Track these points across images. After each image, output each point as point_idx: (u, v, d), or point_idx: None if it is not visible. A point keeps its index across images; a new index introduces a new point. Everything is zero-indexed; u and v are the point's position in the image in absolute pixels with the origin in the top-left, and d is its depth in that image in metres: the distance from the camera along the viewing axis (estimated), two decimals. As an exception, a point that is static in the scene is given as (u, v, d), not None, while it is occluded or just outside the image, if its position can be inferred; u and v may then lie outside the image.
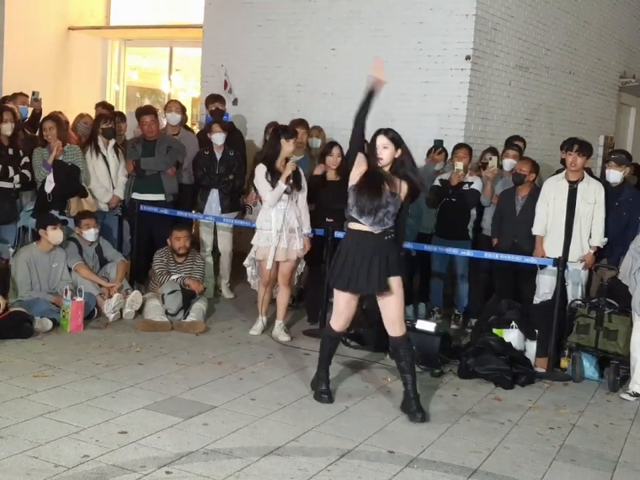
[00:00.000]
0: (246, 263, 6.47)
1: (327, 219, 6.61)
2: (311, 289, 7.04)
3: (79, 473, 3.66)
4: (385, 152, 4.69)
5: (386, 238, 4.72)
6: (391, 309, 4.78)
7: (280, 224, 6.14)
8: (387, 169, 4.75)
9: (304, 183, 6.31)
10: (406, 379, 4.82)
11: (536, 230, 6.37)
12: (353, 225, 4.79)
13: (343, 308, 4.89)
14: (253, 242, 6.35)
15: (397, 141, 4.72)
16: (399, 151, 4.72)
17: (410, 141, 7.86)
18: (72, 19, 12.68)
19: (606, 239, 6.25)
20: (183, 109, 8.17)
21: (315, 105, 9.06)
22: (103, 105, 8.81)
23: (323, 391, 4.98)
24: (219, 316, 6.99)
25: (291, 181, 6.12)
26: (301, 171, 6.32)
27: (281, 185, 6.08)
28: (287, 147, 6.13)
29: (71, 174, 6.96)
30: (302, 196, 6.29)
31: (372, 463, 4.05)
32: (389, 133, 4.72)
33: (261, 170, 6.18)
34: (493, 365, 5.58)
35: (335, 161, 6.70)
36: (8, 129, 6.88)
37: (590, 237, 6.25)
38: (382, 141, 4.70)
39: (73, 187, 6.96)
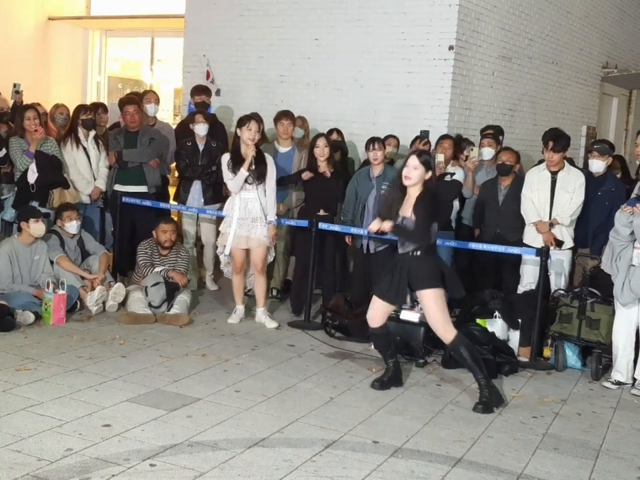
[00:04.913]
0: (219, 250, 6.56)
1: (317, 213, 6.61)
2: (296, 281, 7.02)
3: (62, 466, 3.64)
4: (415, 172, 4.84)
5: (410, 255, 4.92)
6: (429, 320, 5.03)
7: (242, 212, 6.26)
8: (416, 190, 4.87)
9: (271, 172, 6.34)
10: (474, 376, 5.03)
11: (532, 217, 6.30)
12: None
13: (370, 308, 5.12)
14: (220, 228, 6.49)
15: (428, 164, 4.88)
16: (429, 174, 4.88)
17: (393, 131, 8.00)
18: (52, 8, 12.56)
19: (566, 223, 6.23)
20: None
21: (299, 95, 9.03)
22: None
23: (377, 377, 5.20)
24: (203, 308, 6.97)
25: (253, 167, 6.17)
26: (269, 160, 6.36)
27: (242, 172, 6.19)
28: (243, 135, 6.21)
29: (54, 164, 6.89)
30: (269, 184, 6.33)
31: (357, 453, 4.06)
32: (422, 155, 4.90)
33: (224, 159, 6.36)
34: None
35: (322, 152, 6.68)
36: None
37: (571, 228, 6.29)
38: (413, 162, 4.86)
39: (56, 177, 6.89)
